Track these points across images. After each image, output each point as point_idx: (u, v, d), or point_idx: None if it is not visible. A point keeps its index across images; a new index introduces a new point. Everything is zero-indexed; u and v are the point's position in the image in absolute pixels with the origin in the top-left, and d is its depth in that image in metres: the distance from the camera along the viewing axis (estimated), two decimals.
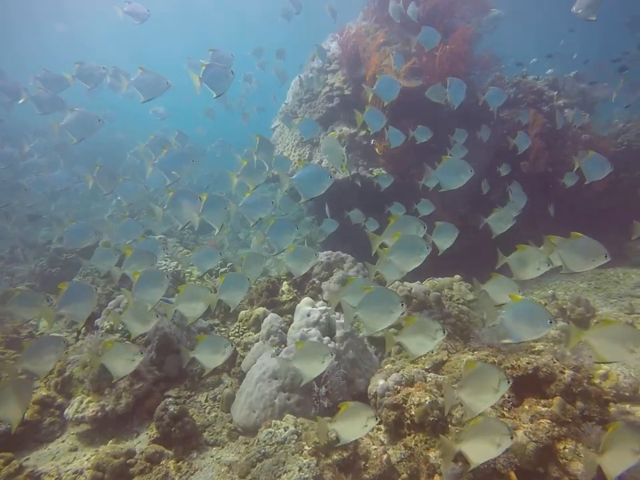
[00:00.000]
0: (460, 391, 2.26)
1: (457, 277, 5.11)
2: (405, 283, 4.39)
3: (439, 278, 5.15)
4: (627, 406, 3.36)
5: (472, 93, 7.95)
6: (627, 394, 3.39)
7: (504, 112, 7.61)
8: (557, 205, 6.38)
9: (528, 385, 2.89)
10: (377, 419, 2.30)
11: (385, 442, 2.96)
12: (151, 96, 4.43)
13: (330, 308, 3.68)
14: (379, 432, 3.10)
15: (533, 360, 2.90)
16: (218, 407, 3.57)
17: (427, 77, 6.96)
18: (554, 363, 2.91)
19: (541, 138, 7.25)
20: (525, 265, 3.01)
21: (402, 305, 2.58)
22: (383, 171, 6.74)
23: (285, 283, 5.09)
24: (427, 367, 3.30)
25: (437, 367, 3.34)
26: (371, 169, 6.74)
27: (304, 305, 3.66)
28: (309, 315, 3.54)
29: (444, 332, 2.56)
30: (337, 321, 3.58)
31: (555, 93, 8.83)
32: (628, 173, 7.90)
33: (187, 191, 3.57)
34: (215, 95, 4.01)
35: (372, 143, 6.80)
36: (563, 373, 2.82)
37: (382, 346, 4.05)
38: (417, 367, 3.32)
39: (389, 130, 5.22)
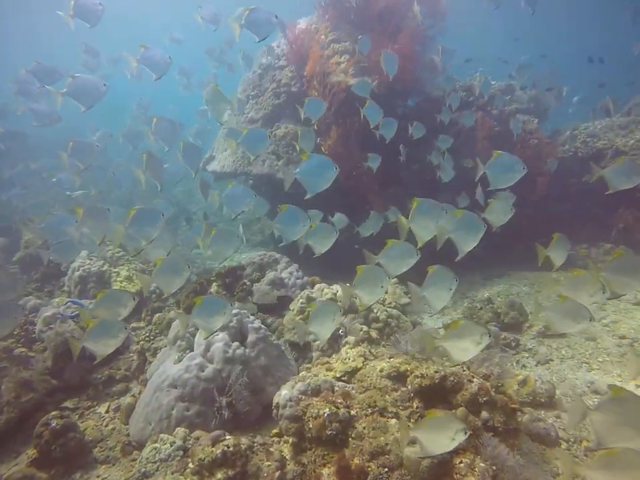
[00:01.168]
0: (444, 342, 2.45)
1: (393, 280, 4.99)
2: (333, 286, 4.22)
3: None
4: (542, 412, 3.28)
5: (423, 94, 7.96)
6: (543, 400, 3.32)
7: (454, 114, 7.59)
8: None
9: (437, 395, 2.76)
10: (465, 433, 2.09)
11: (288, 457, 2.77)
12: (161, 72, 4.39)
13: (243, 311, 3.47)
14: (284, 445, 2.91)
15: (441, 369, 2.76)
16: (118, 419, 3.30)
17: (375, 77, 6.85)
18: (463, 371, 2.79)
19: (489, 141, 7.26)
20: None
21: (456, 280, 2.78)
22: None
23: (214, 284, 4.85)
24: (338, 375, 3.13)
25: (352, 375, 3.18)
26: None
27: None
28: None
29: (489, 336, 2.45)
30: (249, 325, 3.38)
31: (507, 97, 8.90)
32: (576, 178, 8.02)
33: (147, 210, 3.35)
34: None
35: (318, 141, 6.64)
36: (470, 381, 2.70)
37: (304, 352, 3.87)
38: (329, 375, 3.15)
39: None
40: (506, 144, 7.54)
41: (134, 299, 2.83)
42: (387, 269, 2.98)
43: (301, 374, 3.28)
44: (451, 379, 2.69)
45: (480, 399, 2.62)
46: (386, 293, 4.76)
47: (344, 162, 6.55)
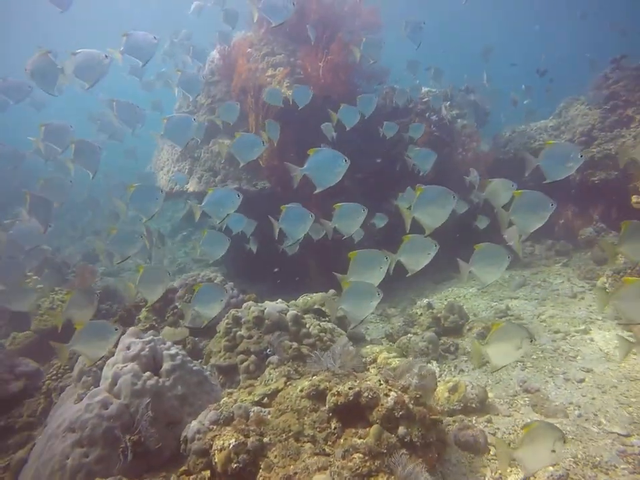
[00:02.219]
0: (486, 347, 2.48)
1: (331, 291, 4.87)
2: (260, 304, 4.06)
3: (314, 294, 4.89)
4: (473, 418, 3.20)
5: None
6: (475, 405, 3.23)
7: (394, 121, 7.63)
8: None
9: (355, 412, 2.62)
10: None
11: None
12: (147, 57, 4.23)
13: (158, 338, 3.26)
14: None
15: (356, 385, 2.63)
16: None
17: (311, 87, 6.81)
18: (380, 385, 2.67)
19: (429, 146, 7.31)
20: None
21: None
22: (267, 184, 6.47)
23: (143, 310, 4.61)
24: (257, 399, 2.96)
25: (272, 397, 3.01)
26: (255, 182, 6.44)
27: (127, 336, 3.22)
28: (128, 348, 3.10)
29: (531, 340, 2.47)
30: (165, 352, 3.17)
31: (448, 103, 9.03)
32: (516, 178, 8.16)
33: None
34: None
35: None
36: (387, 395, 2.58)
37: (230, 375, 3.68)
38: (247, 399, 2.97)
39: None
40: (446, 148, 7.63)
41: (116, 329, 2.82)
42: (408, 265, 2.94)
43: (222, 400, 3.09)
44: (366, 394, 2.56)
45: (396, 414, 2.49)
46: (322, 305, 4.64)
47: (281, 174, 6.45)
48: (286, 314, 3.95)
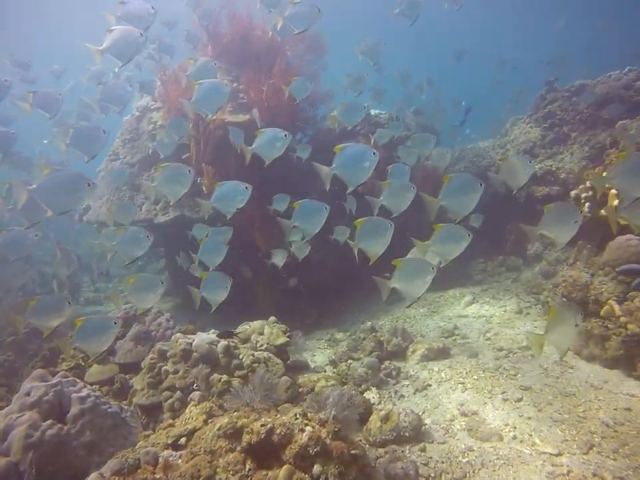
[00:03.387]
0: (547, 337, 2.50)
1: (272, 318, 4.69)
2: (190, 335, 3.84)
3: (254, 321, 4.70)
4: (407, 448, 3.05)
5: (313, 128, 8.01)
6: (408, 434, 3.09)
7: (342, 142, 7.64)
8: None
9: (269, 451, 2.43)
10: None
11: None
12: (146, 25, 4.07)
13: (67, 379, 2.99)
14: None
15: (269, 421, 2.45)
16: None
17: (254, 110, 6.77)
18: (296, 419, 2.49)
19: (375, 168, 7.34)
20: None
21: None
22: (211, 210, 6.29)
23: (69, 347, 4.29)
24: (170, 441, 2.73)
25: (190, 437, 2.78)
26: (197, 209, 6.26)
27: (30, 380, 2.94)
28: (28, 394, 2.83)
29: (581, 314, 2.55)
30: (73, 394, 2.90)
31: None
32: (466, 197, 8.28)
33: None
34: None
35: (199, 181, 6.36)
36: (302, 431, 2.40)
37: (154, 415, 3.42)
38: (160, 442, 2.74)
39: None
40: None
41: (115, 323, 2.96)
42: (442, 254, 2.93)
43: (138, 444, 2.85)
44: (279, 431, 2.38)
45: (311, 451, 2.32)
46: (260, 334, 4.45)
47: None
48: (217, 345, 3.74)
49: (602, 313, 3.70)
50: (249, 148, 3.58)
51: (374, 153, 3.04)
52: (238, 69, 7.38)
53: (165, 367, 3.60)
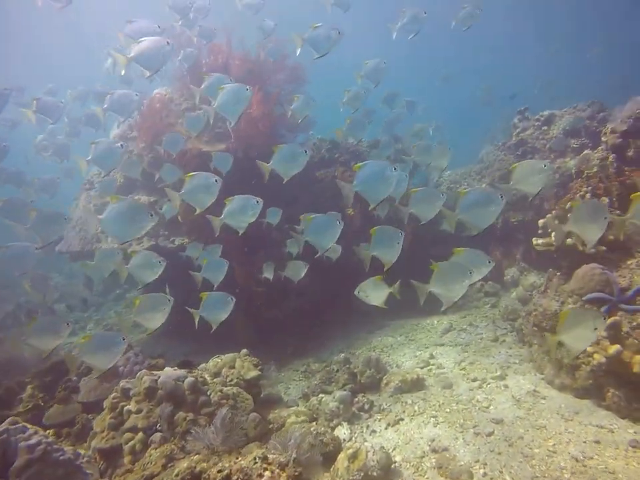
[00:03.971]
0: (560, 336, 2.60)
1: (244, 351, 4.60)
2: (156, 372, 3.73)
3: (226, 355, 4.59)
4: None
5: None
6: (376, 473, 3.00)
7: (319, 171, 7.70)
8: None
9: None
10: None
11: None
12: None
13: (14, 427, 2.85)
14: None
15: (227, 466, 2.37)
16: None
17: (231, 141, 6.81)
18: (255, 463, 2.41)
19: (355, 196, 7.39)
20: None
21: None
22: (186, 239, 6.25)
23: (29, 387, 4.14)
24: None
25: None
26: (172, 238, 6.20)
27: None
28: None
29: (604, 319, 2.61)
30: (20, 443, 2.76)
31: (375, 151, 9.29)
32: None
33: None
34: None
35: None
36: (260, 476, 2.32)
37: (113, 459, 3.28)
38: None
39: None
40: None
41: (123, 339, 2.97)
42: (474, 222, 2.94)
43: None
44: (236, 477, 2.29)
45: None
46: (231, 367, 4.35)
47: (202, 228, 6.25)
48: (183, 381, 3.63)
49: None
50: (351, 186, 3.14)
51: (395, 169, 3.07)
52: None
53: (127, 407, 3.48)
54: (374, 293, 3.39)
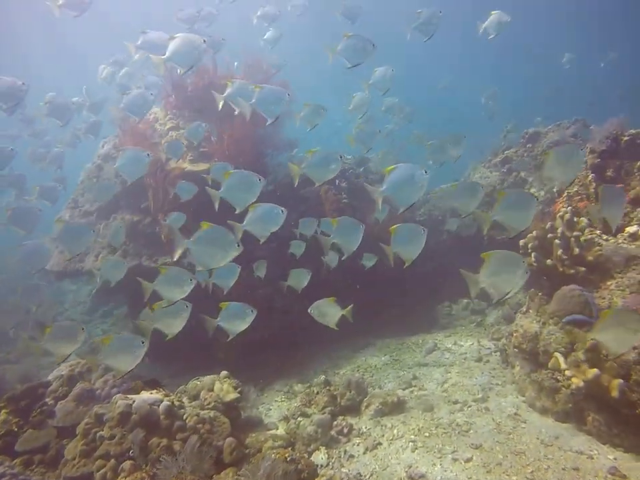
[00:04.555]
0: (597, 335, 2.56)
1: (224, 373, 4.53)
2: (131, 396, 3.66)
3: (205, 377, 4.53)
4: None
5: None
6: None
7: (304, 189, 7.72)
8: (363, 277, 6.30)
9: None
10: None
11: None
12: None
13: None
14: None
15: None
16: None
17: (215, 160, 6.81)
18: None
19: (339, 213, 7.40)
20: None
21: None
22: (169, 259, 6.20)
23: (2, 411, 4.05)
24: None
25: None
26: (155, 258, 6.16)
27: None
28: None
29: None
30: None
31: (362, 169, 9.35)
32: (433, 238, 8.40)
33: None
34: None
35: (157, 230, 6.29)
36: None
37: None
38: None
39: None
40: (357, 214, 7.74)
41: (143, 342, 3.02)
42: (510, 223, 2.92)
43: None
44: None
45: None
46: (210, 390, 4.28)
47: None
48: (159, 405, 3.57)
49: (549, 365, 3.68)
50: (379, 190, 3.14)
51: (425, 172, 3.06)
52: (202, 117, 7.46)
53: (100, 433, 3.41)
54: (327, 314, 3.42)
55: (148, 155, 4.35)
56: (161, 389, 3.97)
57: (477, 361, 5.36)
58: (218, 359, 6.35)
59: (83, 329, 3.19)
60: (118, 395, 3.65)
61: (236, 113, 5.64)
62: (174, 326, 3.34)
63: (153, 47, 4.54)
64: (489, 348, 5.71)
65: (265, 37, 7.64)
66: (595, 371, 3.26)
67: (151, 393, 3.78)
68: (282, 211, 3.43)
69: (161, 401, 3.56)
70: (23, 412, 4.12)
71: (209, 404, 4.03)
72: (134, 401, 3.54)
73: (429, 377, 5.13)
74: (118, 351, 2.95)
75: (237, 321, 3.49)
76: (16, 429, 3.97)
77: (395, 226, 3.20)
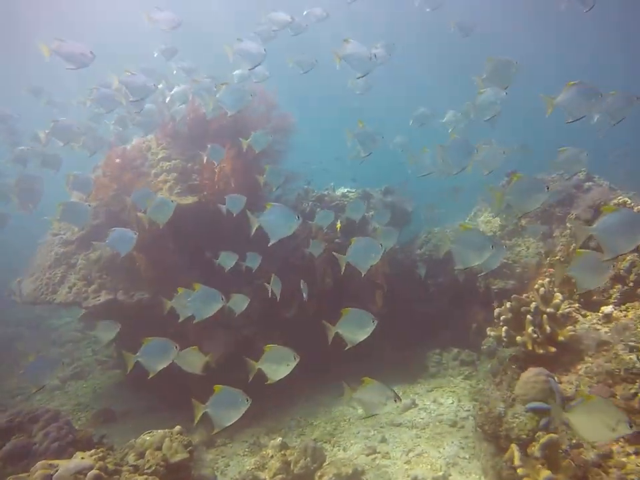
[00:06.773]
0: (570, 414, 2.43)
1: (177, 428, 4.37)
2: (54, 462, 3.48)
3: (157, 431, 4.36)
4: None
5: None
6: None
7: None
8: None
9: None
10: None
11: None
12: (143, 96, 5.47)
13: None
14: None
15: None
16: None
17: (204, 194, 6.75)
18: None
19: (327, 254, 7.22)
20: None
21: None
22: (146, 294, 6.12)
23: None
24: None
25: None
26: (132, 293, 6.08)
27: None
28: None
29: (631, 426, 2.30)
30: None
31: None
32: (432, 279, 8.14)
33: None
34: None
35: (137, 264, 6.23)
36: None
37: None
38: None
39: None
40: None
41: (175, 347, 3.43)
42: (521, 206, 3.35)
43: None
44: None
45: None
46: (157, 449, 4.12)
47: (163, 284, 6.09)
48: (86, 474, 3.41)
49: (506, 456, 3.40)
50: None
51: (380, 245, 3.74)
52: (196, 147, 7.42)
53: None
54: (275, 367, 3.44)
55: (135, 233, 4.66)
56: (102, 447, 3.81)
57: (451, 425, 5.07)
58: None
59: (176, 347, 3.50)
60: (39, 463, 3.41)
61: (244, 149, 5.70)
62: (158, 364, 3.50)
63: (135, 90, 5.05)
64: (467, 410, 5.41)
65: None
66: (548, 474, 2.97)
67: (88, 455, 3.60)
68: (298, 217, 3.68)
69: (91, 468, 3.39)
70: None
71: (149, 467, 3.86)
72: (57, 470, 3.35)
73: (398, 441, 4.87)
74: (153, 352, 3.39)
75: (229, 410, 3.44)
76: None
77: (354, 239, 3.71)
